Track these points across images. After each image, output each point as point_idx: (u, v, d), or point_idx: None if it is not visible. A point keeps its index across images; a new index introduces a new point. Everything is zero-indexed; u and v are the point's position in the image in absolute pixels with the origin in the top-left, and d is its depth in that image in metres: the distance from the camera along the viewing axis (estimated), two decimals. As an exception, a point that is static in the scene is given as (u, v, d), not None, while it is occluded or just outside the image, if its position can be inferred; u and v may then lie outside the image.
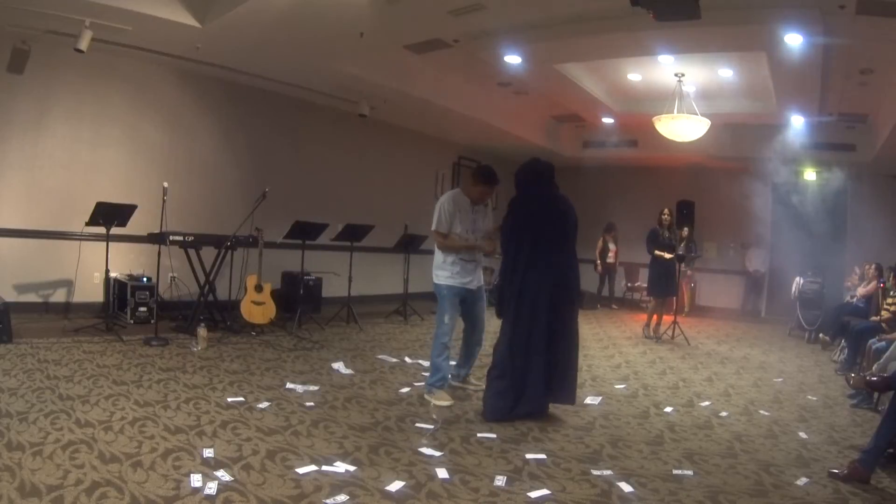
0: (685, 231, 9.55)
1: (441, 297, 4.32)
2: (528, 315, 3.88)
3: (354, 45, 6.23)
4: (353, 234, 7.25)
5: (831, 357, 6.91)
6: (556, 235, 3.99)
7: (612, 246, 11.30)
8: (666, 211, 7.91)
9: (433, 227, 4.29)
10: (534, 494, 2.78)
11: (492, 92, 8.86)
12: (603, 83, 8.42)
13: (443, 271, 4.30)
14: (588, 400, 4.54)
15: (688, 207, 8.06)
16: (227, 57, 6.80)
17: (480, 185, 4.30)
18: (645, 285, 9.27)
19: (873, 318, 6.41)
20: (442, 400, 4.16)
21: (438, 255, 4.34)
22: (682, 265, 10.20)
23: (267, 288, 6.26)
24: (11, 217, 6.23)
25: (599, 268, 11.23)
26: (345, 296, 7.35)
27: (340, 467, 2.92)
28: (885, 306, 6.30)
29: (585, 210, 12.67)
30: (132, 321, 6.23)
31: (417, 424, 3.70)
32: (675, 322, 7.64)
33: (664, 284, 7.77)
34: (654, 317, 7.85)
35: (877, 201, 9.73)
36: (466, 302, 4.39)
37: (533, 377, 3.88)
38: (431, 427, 3.67)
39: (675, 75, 7.54)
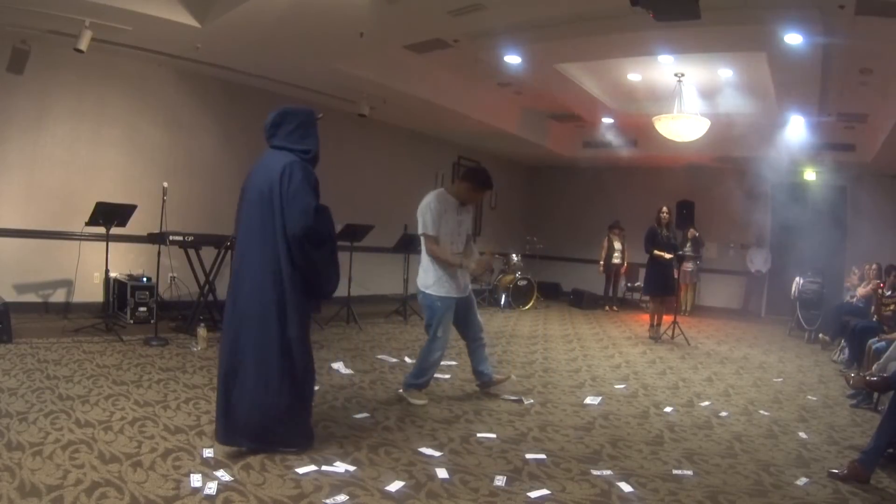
0: (691, 232, 9.55)
1: (434, 309, 4.10)
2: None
3: (354, 45, 6.23)
4: (353, 234, 7.24)
5: (831, 357, 6.92)
6: (246, 223, 3.06)
7: (617, 245, 10.93)
8: (664, 209, 7.85)
9: (421, 231, 4.06)
10: (534, 494, 2.78)
11: (492, 92, 8.86)
12: (603, 83, 8.41)
13: (430, 279, 4.09)
14: (588, 400, 4.54)
15: (688, 207, 8.05)
16: (227, 57, 6.80)
17: (475, 188, 4.15)
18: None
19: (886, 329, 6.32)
20: (418, 399, 4.15)
21: (425, 260, 4.12)
22: (692, 263, 10.26)
23: (267, 288, 6.24)
24: (11, 217, 6.22)
25: (602, 269, 10.98)
26: (344, 296, 7.34)
27: (340, 467, 2.92)
28: (884, 303, 6.30)
29: (585, 211, 12.78)
30: (132, 321, 6.23)
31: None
32: (675, 322, 7.64)
33: (661, 283, 7.76)
34: (655, 316, 7.84)
35: (877, 201, 9.73)
36: (459, 310, 4.20)
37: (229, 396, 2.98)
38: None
39: (675, 75, 7.54)
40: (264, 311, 2.95)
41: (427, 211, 4.06)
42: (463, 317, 4.28)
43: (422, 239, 4.12)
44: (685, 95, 7.67)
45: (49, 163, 6.43)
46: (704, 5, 4.32)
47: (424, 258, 4.15)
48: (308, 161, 3.10)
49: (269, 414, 2.94)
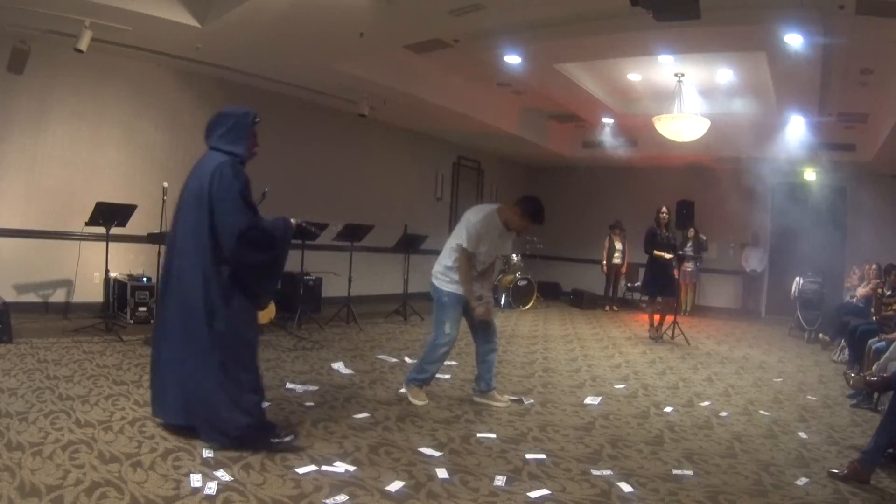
0: (691, 231, 9.54)
1: (442, 304, 4.11)
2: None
3: (354, 45, 6.23)
4: (353, 234, 7.25)
5: (831, 357, 6.92)
6: (183, 223, 3.11)
7: (618, 245, 10.93)
8: (664, 209, 7.82)
9: (465, 245, 4.00)
10: (534, 494, 2.78)
11: (491, 92, 8.86)
12: (603, 83, 8.41)
13: (446, 276, 4.10)
14: (588, 400, 4.54)
15: (688, 207, 8.06)
16: (227, 57, 6.80)
17: (524, 217, 4.09)
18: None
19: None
20: (418, 399, 4.14)
21: (447, 259, 4.12)
22: (692, 263, 10.26)
23: (267, 288, 6.24)
24: (11, 217, 6.22)
25: (605, 268, 10.96)
26: (345, 296, 7.34)
27: (340, 467, 2.92)
28: (884, 303, 6.30)
29: (585, 211, 12.76)
30: (132, 321, 6.23)
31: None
32: (675, 322, 7.63)
33: (660, 284, 7.75)
34: (657, 317, 7.83)
35: (876, 201, 9.74)
36: (469, 310, 4.17)
37: (158, 378, 3.18)
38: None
39: (675, 75, 7.54)
40: (196, 307, 2.99)
41: (471, 228, 4.03)
42: (474, 318, 4.23)
43: (455, 243, 4.10)
44: (685, 95, 7.68)
45: (49, 163, 6.43)
46: (704, 5, 4.32)
47: (446, 257, 4.14)
48: (240, 162, 3.13)
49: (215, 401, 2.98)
